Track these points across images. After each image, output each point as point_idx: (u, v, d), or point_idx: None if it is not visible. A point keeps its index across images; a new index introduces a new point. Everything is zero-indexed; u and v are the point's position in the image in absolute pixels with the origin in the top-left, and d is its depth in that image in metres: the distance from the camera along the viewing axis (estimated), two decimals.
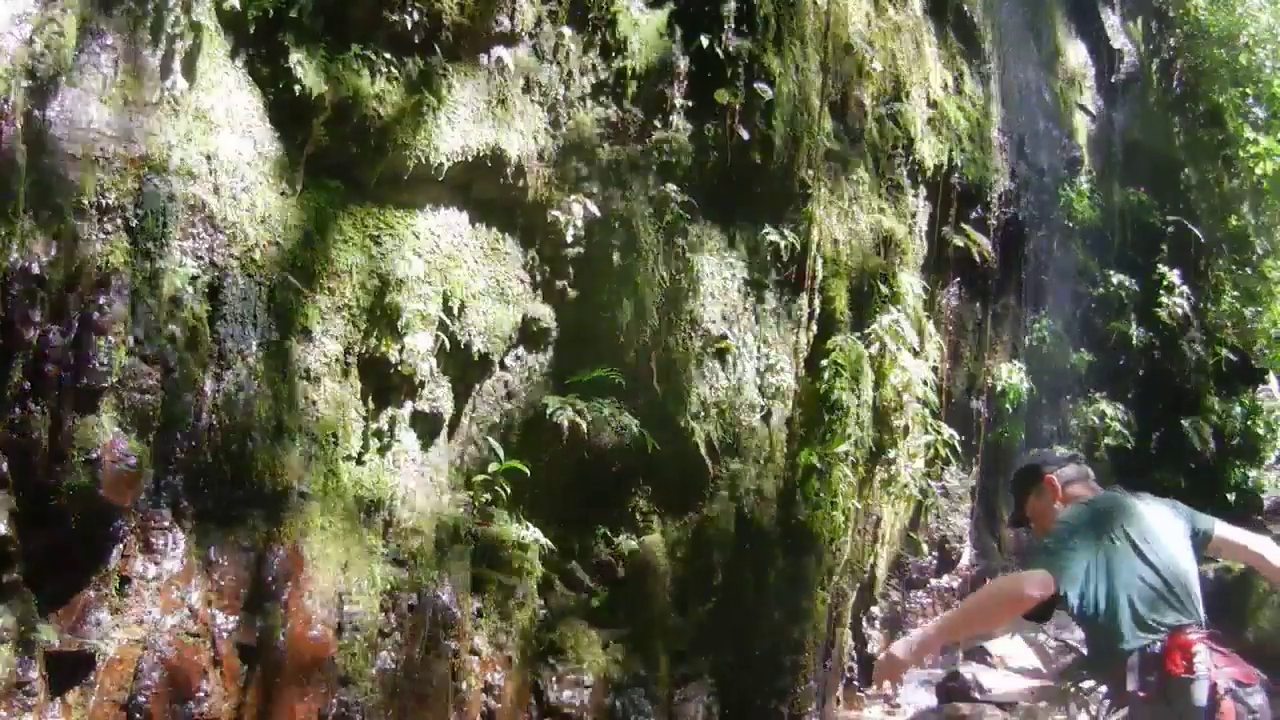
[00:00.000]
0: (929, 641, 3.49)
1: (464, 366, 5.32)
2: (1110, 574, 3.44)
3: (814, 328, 7.23)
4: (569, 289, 5.86)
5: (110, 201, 3.79)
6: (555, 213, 5.66)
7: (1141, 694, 3.33)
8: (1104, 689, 3.57)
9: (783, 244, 6.90)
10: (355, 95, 4.70)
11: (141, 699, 3.85)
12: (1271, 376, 13.37)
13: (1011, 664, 8.11)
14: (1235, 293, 13.18)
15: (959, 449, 8.44)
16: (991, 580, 3.31)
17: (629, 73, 5.99)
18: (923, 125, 8.54)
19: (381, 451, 4.91)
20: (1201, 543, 3.67)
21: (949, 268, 9.22)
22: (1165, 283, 12.22)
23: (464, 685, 5.02)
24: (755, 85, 6.47)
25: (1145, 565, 3.47)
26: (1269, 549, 3.72)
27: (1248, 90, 13.12)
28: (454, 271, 5.19)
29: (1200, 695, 3.25)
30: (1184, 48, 13.32)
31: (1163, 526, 3.62)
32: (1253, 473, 12.55)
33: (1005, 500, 10.42)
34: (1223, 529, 3.71)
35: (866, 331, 7.47)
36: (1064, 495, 3.76)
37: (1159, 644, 3.34)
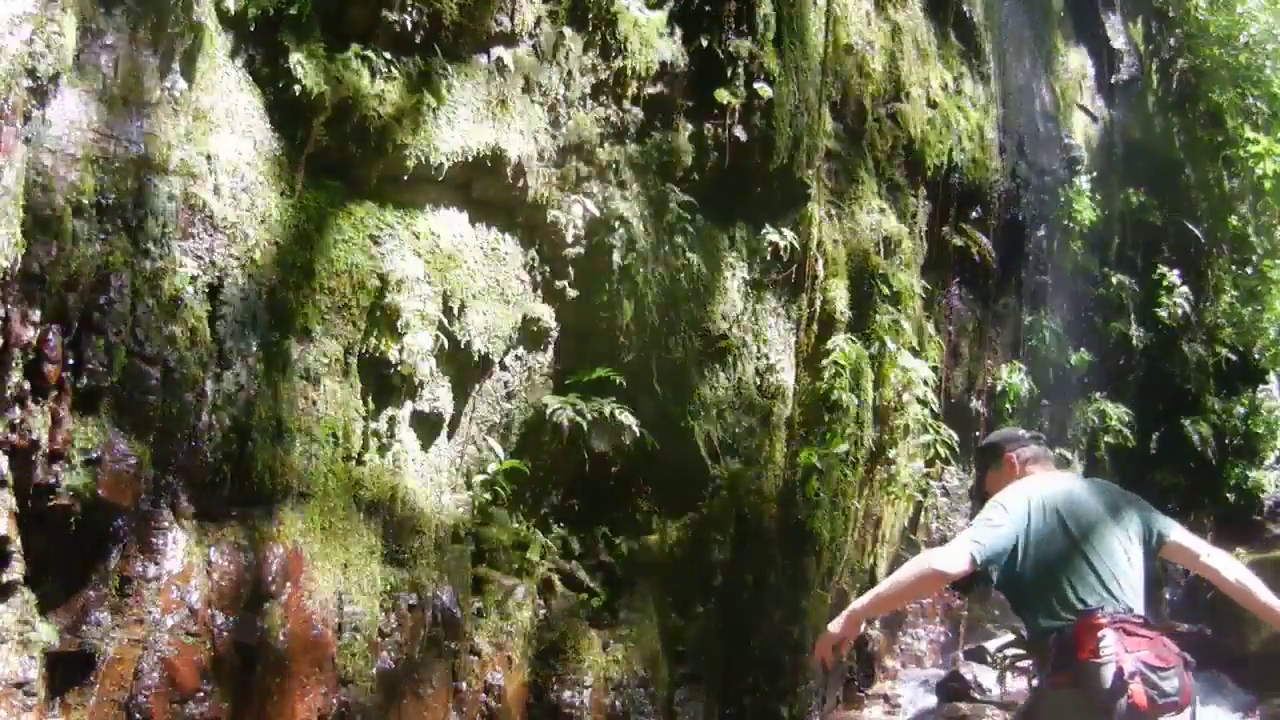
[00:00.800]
0: (856, 616, 3.71)
1: (464, 366, 5.31)
2: (1038, 553, 3.51)
3: (814, 328, 7.23)
4: (569, 289, 5.86)
5: (110, 201, 3.79)
6: (555, 213, 5.65)
7: (1053, 676, 3.39)
8: (1033, 667, 3.65)
9: (783, 244, 6.91)
10: (355, 95, 4.69)
11: (141, 699, 3.85)
12: (1271, 376, 13.38)
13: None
14: (1235, 292, 13.19)
15: (959, 449, 8.44)
16: (915, 556, 3.55)
17: (629, 73, 5.99)
18: (923, 125, 8.54)
19: (381, 451, 4.90)
20: (1156, 543, 3.70)
21: (949, 268, 9.22)
22: (1165, 283, 12.23)
23: (464, 685, 5.02)
24: (755, 85, 6.47)
25: (1074, 548, 3.52)
26: (1223, 562, 3.75)
27: (1248, 90, 13.12)
28: (454, 271, 5.19)
29: (1107, 678, 3.25)
30: (1184, 48, 13.32)
31: (1104, 514, 3.65)
32: (1253, 473, 12.56)
33: None
34: (1180, 534, 3.74)
35: (866, 331, 7.48)
36: (1021, 473, 3.86)
37: (1070, 627, 3.37)
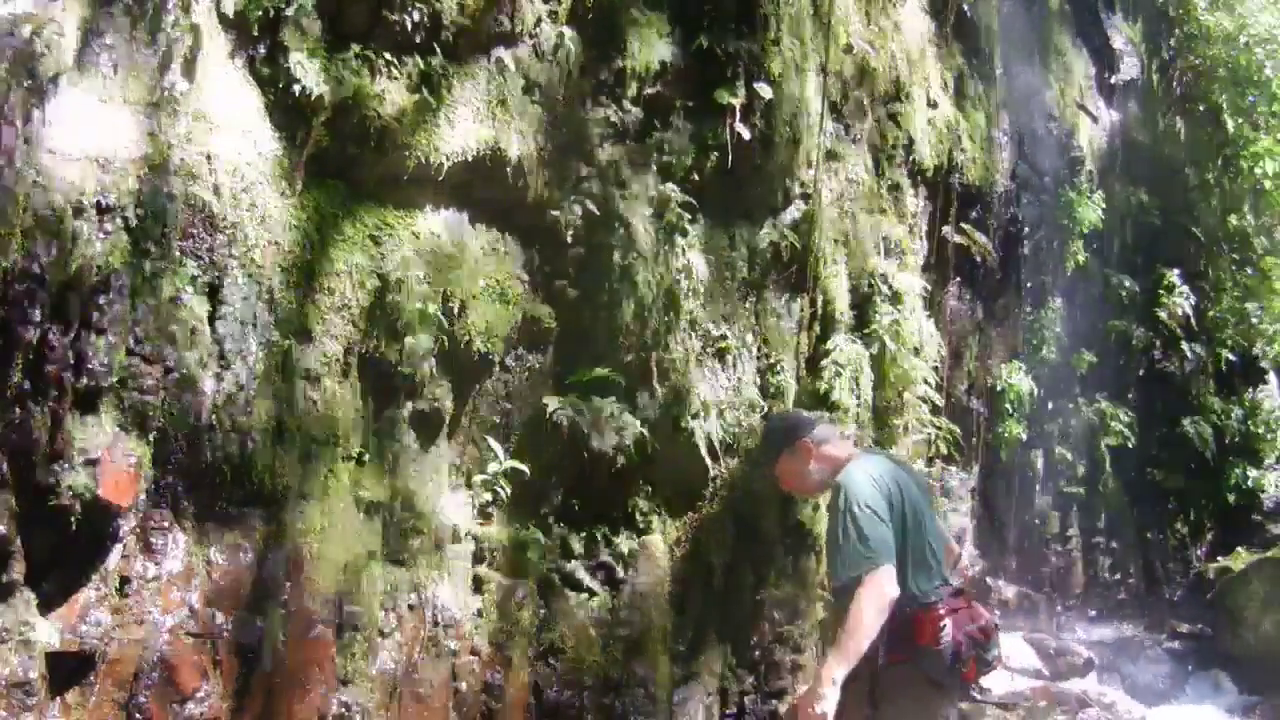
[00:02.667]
0: (837, 680, 3.52)
1: (464, 366, 5.31)
2: (905, 547, 3.70)
3: (814, 328, 7.23)
4: (569, 289, 5.86)
5: (110, 201, 3.79)
6: (555, 213, 5.65)
7: (889, 655, 3.63)
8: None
9: (783, 244, 6.90)
10: (355, 95, 4.70)
11: (141, 699, 3.85)
12: (1271, 376, 13.38)
13: (1011, 664, 8.11)
14: (1236, 292, 13.19)
15: (958, 449, 8.45)
16: (859, 597, 3.56)
17: (629, 73, 5.99)
18: (923, 125, 8.54)
19: (381, 451, 4.91)
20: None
21: (949, 268, 9.21)
22: (1165, 283, 12.23)
23: (464, 685, 5.02)
24: (755, 85, 6.47)
25: (914, 532, 3.76)
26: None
27: (1248, 90, 13.11)
28: (454, 271, 5.19)
29: (946, 658, 3.62)
30: (1184, 48, 13.32)
31: (920, 493, 3.95)
32: (1253, 473, 12.56)
33: (1006, 506, 10.43)
34: None
35: (867, 331, 7.48)
36: (817, 455, 3.99)
37: (910, 612, 3.64)
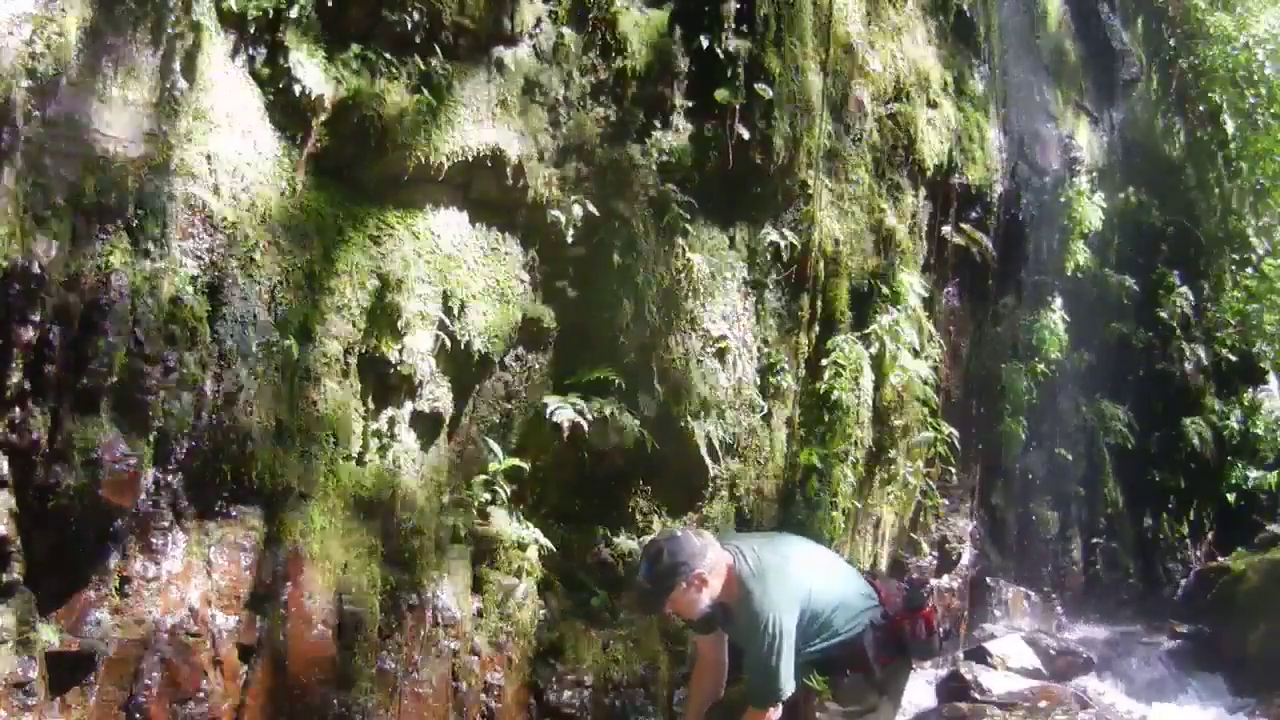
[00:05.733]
0: None
1: (464, 366, 5.31)
2: (825, 619, 4.13)
3: (815, 328, 7.23)
4: (569, 289, 5.86)
5: (110, 201, 3.79)
6: (555, 213, 5.65)
7: (880, 658, 4.20)
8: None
9: (783, 244, 6.90)
10: (355, 95, 4.70)
11: (141, 699, 3.85)
12: (1271, 376, 13.38)
13: (1011, 664, 8.11)
14: (1236, 293, 13.20)
15: (959, 449, 8.45)
16: None
17: (629, 73, 5.98)
18: (923, 125, 8.54)
19: (381, 451, 4.91)
20: None
21: (949, 268, 9.21)
22: (1165, 283, 12.24)
23: (464, 685, 5.02)
24: (755, 85, 6.47)
25: (828, 599, 4.15)
26: None
27: (1248, 90, 13.12)
28: (454, 271, 5.19)
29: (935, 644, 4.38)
30: (1184, 48, 13.33)
31: (823, 560, 4.38)
32: (1253, 473, 12.57)
33: (1006, 506, 10.43)
34: None
35: (867, 331, 7.48)
36: (709, 584, 3.98)
37: (882, 627, 4.22)
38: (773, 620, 3.89)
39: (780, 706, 4.03)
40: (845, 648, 4.14)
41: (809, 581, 4.07)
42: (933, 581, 9.20)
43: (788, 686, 3.96)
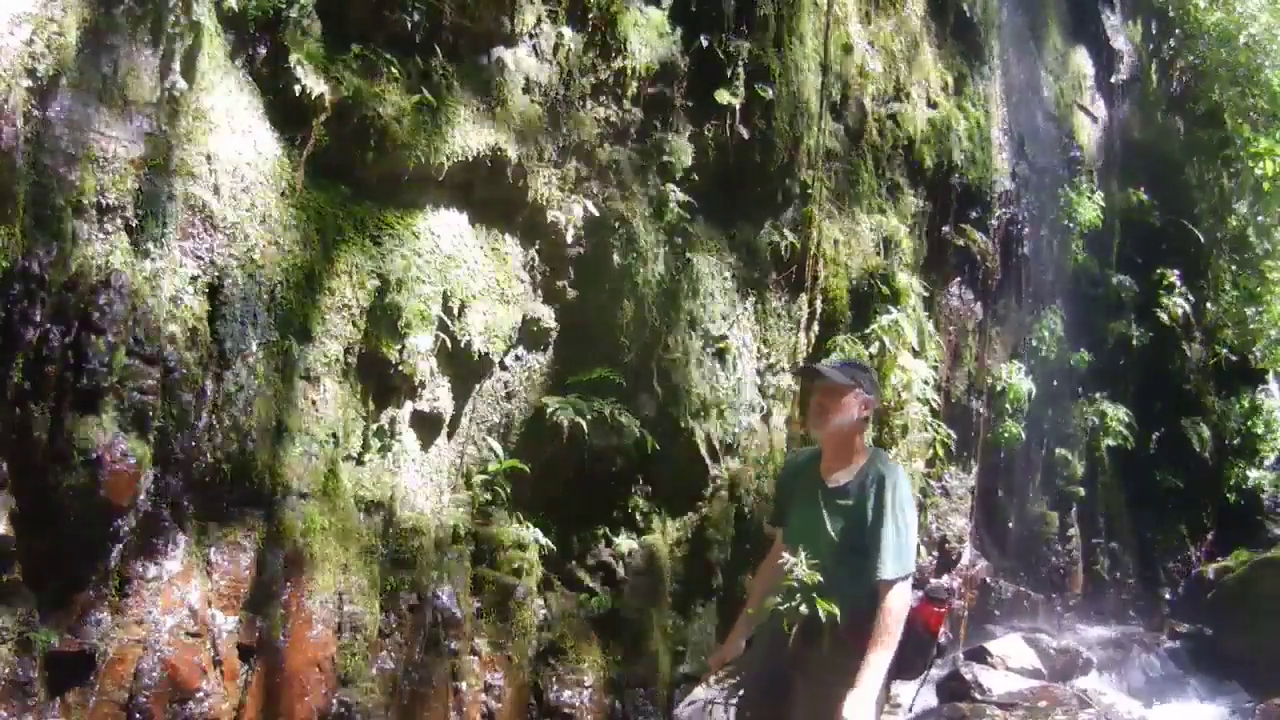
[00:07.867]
0: (882, 690, 3.74)
1: (464, 366, 5.31)
2: None
3: (815, 328, 7.23)
4: (569, 289, 5.86)
5: (110, 201, 3.79)
6: (555, 213, 5.65)
7: None
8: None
9: (783, 244, 6.91)
10: (355, 95, 4.70)
11: (141, 699, 3.85)
12: (1271, 376, 13.39)
13: (1011, 664, 8.11)
14: (1235, 293, 13.20)
15: (958, 449, 8.45)
16: (896, 599, 3.70)
17: (629, 73, 5.98)
18: (923, 125, 8.54)
19: (381, 451, 4.91)
20: None
21: (949, 268, 9.22)
22: (1165, 283, 12.24)
23: (464, 685, 5.01)
24: (755, 85, 6.47)
25: None
26: None
27: (1248, 90, 13.12)
28: (454, 271, 5.19)
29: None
30: (1184, 48, 13.33)
31: None
32: (1253, 473, 12.58)
33: (1006, 506, 10.43)
34: None
35: (867, 331, 7.48)
36: (865, 422, 4.00)
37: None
38: (906, 499, 3.81)
39: (907, 591, 3.76)
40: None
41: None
42: (932, 581, 9.22)
43: (911, 565, 3.77)
